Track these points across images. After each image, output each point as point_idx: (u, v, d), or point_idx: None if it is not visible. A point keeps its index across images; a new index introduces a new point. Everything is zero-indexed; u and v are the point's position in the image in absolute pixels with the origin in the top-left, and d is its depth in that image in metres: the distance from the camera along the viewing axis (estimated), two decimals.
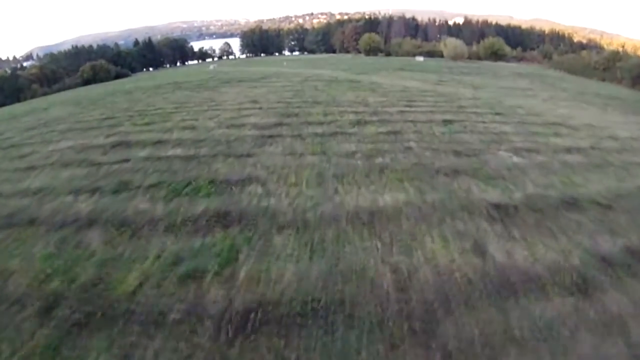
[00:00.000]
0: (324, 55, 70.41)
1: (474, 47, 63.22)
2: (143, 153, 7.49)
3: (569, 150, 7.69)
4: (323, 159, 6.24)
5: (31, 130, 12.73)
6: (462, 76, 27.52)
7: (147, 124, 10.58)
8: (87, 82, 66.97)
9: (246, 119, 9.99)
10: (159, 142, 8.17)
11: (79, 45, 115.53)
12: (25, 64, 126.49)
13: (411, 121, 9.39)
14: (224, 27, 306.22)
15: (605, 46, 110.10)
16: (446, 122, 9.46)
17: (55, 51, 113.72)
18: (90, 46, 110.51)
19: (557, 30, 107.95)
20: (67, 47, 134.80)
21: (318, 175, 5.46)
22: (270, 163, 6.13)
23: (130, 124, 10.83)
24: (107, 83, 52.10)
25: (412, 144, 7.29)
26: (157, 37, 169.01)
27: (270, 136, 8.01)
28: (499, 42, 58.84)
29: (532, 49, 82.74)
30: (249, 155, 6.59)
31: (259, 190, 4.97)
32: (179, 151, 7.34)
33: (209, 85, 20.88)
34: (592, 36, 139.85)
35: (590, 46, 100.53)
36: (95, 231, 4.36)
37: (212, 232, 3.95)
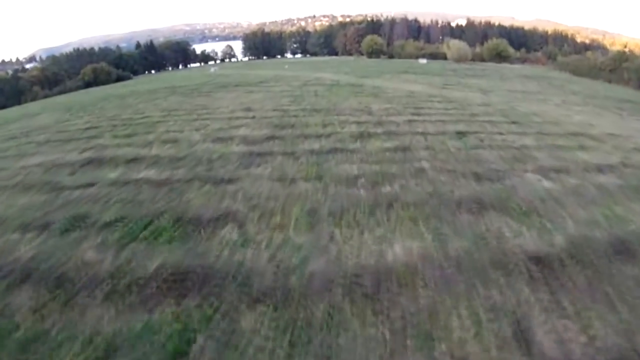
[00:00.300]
0: (326, 58, 69.46)
1: (477, 49, 62.23)
2: (113, 174, 6.53)
3: (600, 169, 6.67)
4: (318, 186, 5.22)
5: (11, 141, 11.86)
6: (468, 79, 26.53)
7: (128, 135, 9.65)
8: (88, 84, 66.58)
9: (235, 131, 9.02)
10: (134, 160, 7.22)
11: (82, 47, 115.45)
12: (28, 65, 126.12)
13: (421, 133, 8.38)
14: (227, 30, 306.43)
15: (608, 46, 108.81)
16: (460, 134, 8.44)
17: (58, 53, 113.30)
18: (92, 48, 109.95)
19: (560, 30, 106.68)
20: (71, 49, 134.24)
21: (311, 212, 4.42)
22: (253, 192, 5.12)
23: (111, 135, 9.90)
24: (107, 86, 51.48)
25: (424, 163, 6.27)
26: (159, 40, 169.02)
27: (260, 154, 7.02)
28: (502, 44, 57.78)
29: (536, 50, 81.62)
30: (230, 181, 5.59)
31: (234, 235, 3.94)
32: (152, 173, 6.37)
33: (205, 90, 20.01)
34: (594, 36, 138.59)
35: (594, 46, 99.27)
36: (27, 291, 3.37)
37: (162, 304, 2.93)
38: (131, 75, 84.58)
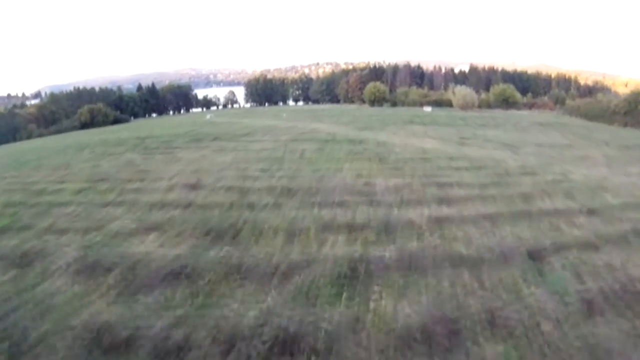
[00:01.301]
0: (327, 106, 67.45)
1: (483, 95, 60.12)
2: None
3: None
4: None
5: None
6: (483, 130, 23.28)
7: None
8: (84, 125, 65.03)
9: (139, 244, 5.25)
10: None
11: (83, 86, 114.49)
12: (33, 101, 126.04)
13: (465, 261, 4.52)
14: (231, 76, 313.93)
15: (611, 87, 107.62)
16: (535, 260, 4.59)
17: (64, 91, 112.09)
18: (93, 88, 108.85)
19: (562, 74, 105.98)
20: (82, 87, 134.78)
21: None
22: None
23: None
24: (101, 129, 49.58)
25: None
26: (164, 83, 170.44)
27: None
28: (509, 89, 55.58)
29: (541, 94, 79.84)
30: None
31: None
32: None
33: (174, 145, 16.72)
34: (595, 78, 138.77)
35: (597, 88, 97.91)
36: None
37: None
38: (130, 117, 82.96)
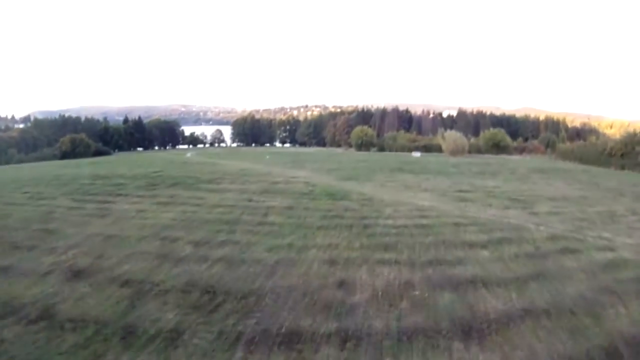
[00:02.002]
0: (313, 150, 65.36)
1: (472, 139, 59.09)
2: None
3: None
4: None
5: None
6: (481, 179, 20.91)
7: None
8: (65, 154, 63.37)
9: None
10: None
11: (69, 115, 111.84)
12: (21, 125, 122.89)
13: None
14: (221, 114, 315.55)
15: (598, 128, 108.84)
16: None
17: (50, 118, 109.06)
18: (78, 117, 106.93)
19: (551, 117, 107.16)
20: (68, 115, 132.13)
21: None
22: None
23: None
24: (79, 160, 46.10)
25: None
26: (154, 117, 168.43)
27: None
28: (500, 133, 54.69)
29: (529, 138, 79.60)
30: None
31: None
32: None
33: (120, 190, 14.05)
34: (583, 120, 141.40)
35: (585, 130, 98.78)
36: None
37: None
38: (112, 150, 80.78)
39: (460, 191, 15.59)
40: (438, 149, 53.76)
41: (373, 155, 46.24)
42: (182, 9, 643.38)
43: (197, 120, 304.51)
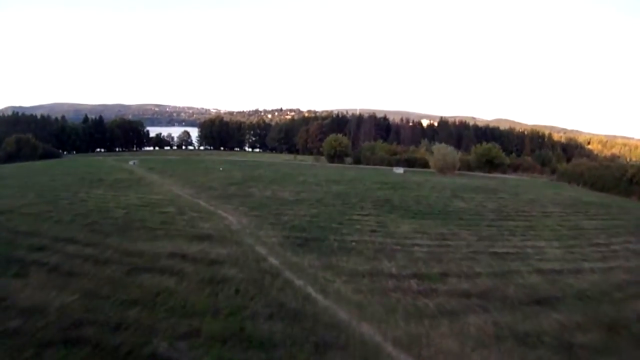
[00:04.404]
0: (278, 160, 55.71)
1: (459, 154, 51.28)
2: None
3: None
4: None
5: None
6: (521, 239, 12.36)
7: None
8: (10, 156, 56.73)
9: None
10: None
11: (47, 112, 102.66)
12: None
13: None
14: (194, 115, 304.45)
15: (584, 145, 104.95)
16: None
17: (28, 113, 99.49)
18: (33, 115, 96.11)
19: (536, 130, 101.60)
20: (41, 111, 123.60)
21: None
22: None
23: None
24: (19, 164, 40.87)
25: None
26: (128, 117, 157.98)
27: None
28: (495, 148, 47.27)
29: (513, 152, 73.37)
30: None
31: None
32: None
33: None
34: (559, 133, 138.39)
35: (571, 146, 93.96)
36: None
37: None
38: (60, 152, 71.65)
39: (507, 273, 7.05)
40: (422, 164, 45.80)
41: (347, 170, 37.39)
42: (160, 9, 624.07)
43: (171, 120, 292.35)
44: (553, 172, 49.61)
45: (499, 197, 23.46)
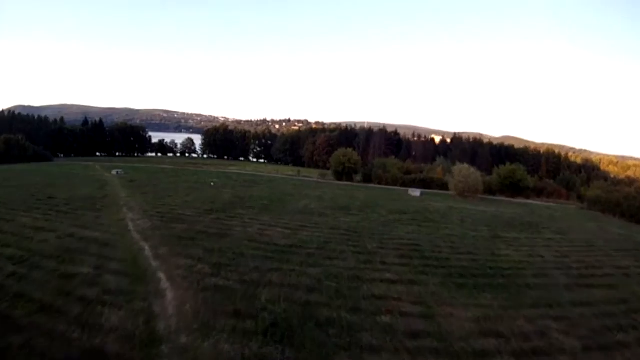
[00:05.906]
0: (281, 175, 51.54)
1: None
2: None
3: None
4: None
5: None
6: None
7: None
8: None
9: None
10: None
11: (55, 113, 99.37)
12: None
13: None
14: (203, 122, 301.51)
15: (600, 166, 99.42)
16: None
17: (36, 114, 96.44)
18: (31, 116, 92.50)
19: (552, 149, 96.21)
20: (49, 112, 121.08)
21: None
22: None
23: None
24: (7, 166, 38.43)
25: None
26: (136, 121, 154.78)
27: None
28: (520, 170, 42.79)
29: (530, 173, 68.54)
30: None
31: None
32: None
33: None
34: (581, 154, 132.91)
35: (588, 167, 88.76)
36: None
37: None
38: (50, 156, 67.69)
39: None
40: (439, 185, 41.51)
41: (358, 192, 33.22)
42: (168, 14, 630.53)
43: (178, 127, 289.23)
44: (578, 197, 45.16)
45: (546, 237, 19.19)
